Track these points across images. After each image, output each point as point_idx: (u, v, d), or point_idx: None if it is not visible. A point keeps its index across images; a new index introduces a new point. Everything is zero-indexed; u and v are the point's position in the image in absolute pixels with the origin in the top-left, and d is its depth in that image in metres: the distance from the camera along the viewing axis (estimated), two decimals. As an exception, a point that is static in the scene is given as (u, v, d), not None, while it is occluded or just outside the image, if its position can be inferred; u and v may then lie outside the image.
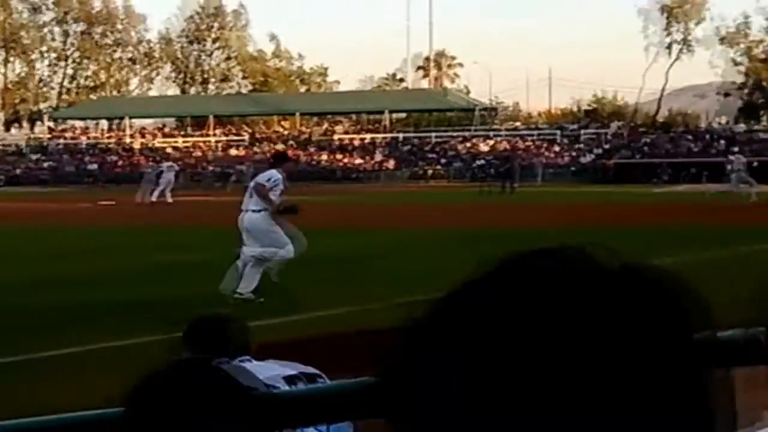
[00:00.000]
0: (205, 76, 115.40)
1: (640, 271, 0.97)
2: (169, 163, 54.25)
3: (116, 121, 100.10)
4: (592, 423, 0.88)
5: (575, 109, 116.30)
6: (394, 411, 0.97)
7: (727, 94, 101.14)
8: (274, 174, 17.47)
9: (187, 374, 1.79)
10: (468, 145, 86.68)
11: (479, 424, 0.90)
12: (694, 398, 0.93)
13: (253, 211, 17.23)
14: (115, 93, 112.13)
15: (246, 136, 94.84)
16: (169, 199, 49.26)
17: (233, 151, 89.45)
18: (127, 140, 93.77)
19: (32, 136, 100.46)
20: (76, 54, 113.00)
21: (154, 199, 49.20)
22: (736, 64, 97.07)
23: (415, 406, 0.94)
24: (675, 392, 0.91)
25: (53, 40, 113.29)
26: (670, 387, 0.91)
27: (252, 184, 17.83)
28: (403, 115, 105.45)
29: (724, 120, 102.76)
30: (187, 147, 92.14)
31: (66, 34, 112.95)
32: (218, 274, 17.32)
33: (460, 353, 0.92)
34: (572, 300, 0.92)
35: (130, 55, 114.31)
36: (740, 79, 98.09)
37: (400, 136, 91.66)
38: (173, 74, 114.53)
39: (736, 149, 64.26)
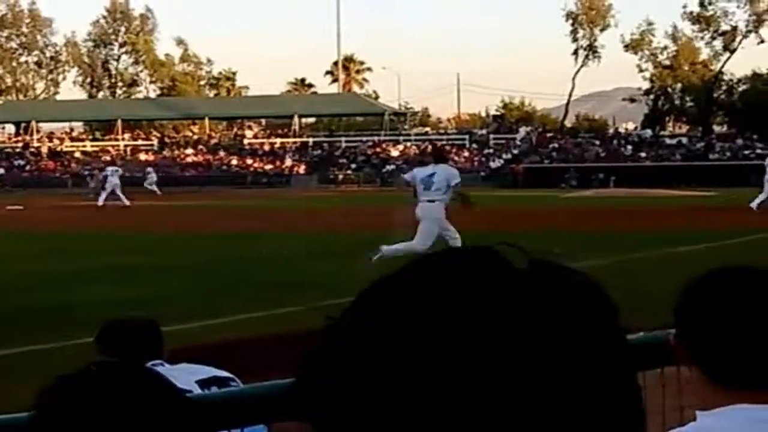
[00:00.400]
0: (113, 80, 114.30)
1: (550, 269, 0.97)
2: (114, 168, 54.30)
3: (23, 125, 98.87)
4: (506, 422, 0.88)
5: (483, 114, 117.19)
6: (310, 412, 0.96)
7: (632, 100, 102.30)
8: (452, 170, 20.30)
9: (114, 376, 1.81)
10: (378, 150, 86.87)
11: (392, 423, 0.90)
12: (603, 398, 0.93)
13: (430, 201, 19.25)
14: (21, 97, 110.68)
15: (155, 141, 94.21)
16: (126, 202, 49.53)
17: (142, 156, 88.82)
18: (35, 144, 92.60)
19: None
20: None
21: (100, 203, 49.47)
22: (641, 70, 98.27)
23: (329, 406, 0.93)
24: (585, 391, 0.91)
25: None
26: (579, 386, 0.90)
27: (445, 180, 19.36)
28: (313, 119, 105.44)
29: (630, 125, 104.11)
30: (95, 151, 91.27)
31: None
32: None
33: (372, 353, 0.91)
34: (482, 298, 0.91)
35: (36, 59, 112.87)
36: (645, 85, 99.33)
37: (310, 140, 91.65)
38: (80, 78, 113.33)
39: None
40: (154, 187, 65.45)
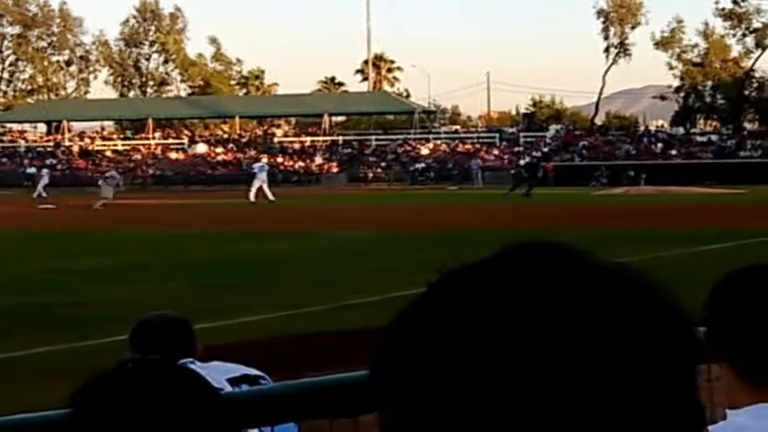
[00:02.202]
0: (144, 79, 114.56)
1: (623, 268, 0.97)
2: (261, 164, 57.41)
3: (54, 125, 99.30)
4: (581, 422, 0.87)
5: (513, 112, 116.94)
6: (381, 406, 0.96)
7: (663, 98, 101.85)
8: None
9: (152, 374, 1.82)
10: (407, 148, 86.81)
11: (459, 421, 0.89)
12: (684, 395, 0.93)
13: None
14: (52, 96, 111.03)
15: (186, 139, 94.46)
16: (271, 197, 53.06)
17: (173, 154, 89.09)
18: (66, 143, 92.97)
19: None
20: (12, 57, 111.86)
21: (252, 199, 53.14)
22: (671, 68, 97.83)
23: (398, 402, 0.93)
24: (667, 390, 0.91)
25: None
26: (662, 385, 0.91)
27: None
28: (343, 118, 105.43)
29: (661, 123, 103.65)
30: (126, 150, 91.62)
31: (2, 37, 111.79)
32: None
33: (442, 351, 0.90)
34: (559, 295, 0.91)
35: (66, 59, 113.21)
36: (675, 82, 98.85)
37: (340, 139, 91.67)
38: (111, 77, 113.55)
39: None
40: (121, 187, 63.91)
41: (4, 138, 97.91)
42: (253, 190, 53.92)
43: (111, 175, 58.90)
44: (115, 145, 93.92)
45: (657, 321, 0.93)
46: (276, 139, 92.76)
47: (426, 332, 0.93)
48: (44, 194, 62.70)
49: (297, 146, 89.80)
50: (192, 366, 3.93)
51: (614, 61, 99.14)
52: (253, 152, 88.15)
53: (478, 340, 0.89)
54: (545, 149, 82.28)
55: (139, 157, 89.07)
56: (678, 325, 0.95)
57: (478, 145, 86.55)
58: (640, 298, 0.94)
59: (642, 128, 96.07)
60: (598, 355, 0.88)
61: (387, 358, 0.96)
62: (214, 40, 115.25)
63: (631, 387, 0.89)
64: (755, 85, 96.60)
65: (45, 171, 71.16)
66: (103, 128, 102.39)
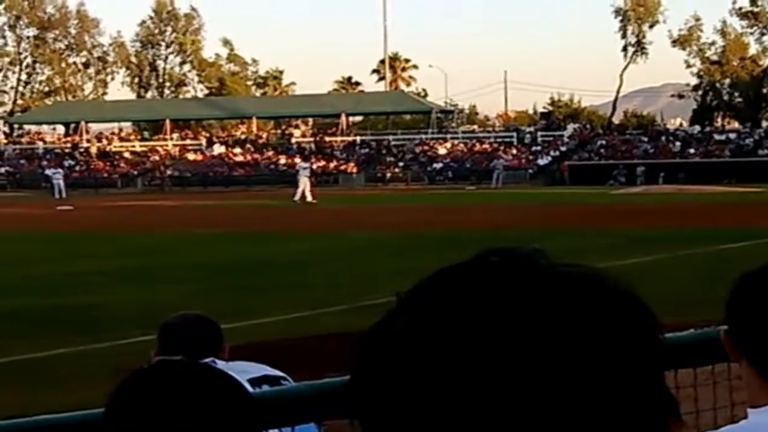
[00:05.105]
0: (161, 80, 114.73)
1: (593, 274, 0.99)
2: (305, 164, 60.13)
3: (72, 126, 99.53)
4: (550, 423, 0.90)
5: (531, 111, 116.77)
6: (361, 412, 0.98)
7: (680, 96, 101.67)
8: None
9: (186, 374, 1.84)
10: (425, 148, 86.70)
11: (440, 425, 0.91)
12: (650, 397, 0.95)
13: None
14: (70, 98, 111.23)
15: (203, 140, 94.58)
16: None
17: (190, 155, 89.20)
18: (84, 144, 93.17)
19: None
20: (30, 59, 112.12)
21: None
22: (689, 66, 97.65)
23: (380, 407, 0.95)
24: (632, 392, 0.94)
25: (6, 45, 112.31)
26: (627, 387, 0.93)
27: None
28: (360, 118, 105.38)
29: (679, 121, 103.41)
30: (144, 151, 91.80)
31: (19, 38, 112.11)
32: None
33: (424, 357, 0.93)
34: (528, 302, 0.94)
35: (84, 60, 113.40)
36: (693, 81, 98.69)
37: (358, 139, 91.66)
38: (128, 78, 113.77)
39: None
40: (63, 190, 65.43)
41: (23, 140, 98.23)
42: (304, 189, 54.03)
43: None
44: (132, 146, 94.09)
45: (622, 326, 0.95)
46: (293, 140, 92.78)
47: (400, 340, 0.95)
48: (64, 195, 62.90)
49: (314, 146, 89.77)
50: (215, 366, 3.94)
51: (632, 60, 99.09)
52: (270, 152, 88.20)
53: (449, 348, 0.92)
54: (563, 148, 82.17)
55: (156, 158, 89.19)
56: (644, 330, 0.97)
57: (495, 145, 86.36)
58: (607, 304, 0.96)
59: (660, 127, 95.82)
60: (564, 359, 0.91)
61: (366, 365, 0.98)
62: (227, 42, 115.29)
63: (598, 389, 0.91)
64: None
65: (53, 171, 71.97)
66: (120, 129, 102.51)
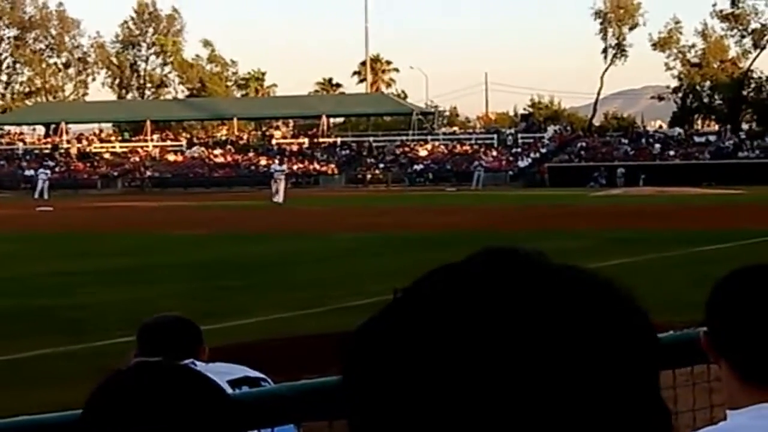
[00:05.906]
0: (142, 81, 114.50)
1: (586, 274, 0.99)
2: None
3: (52, 127, 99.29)
4: (544, 422, 0.90)
5: (512, 113, 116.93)
6: (355, 411, 0.97)
7: (661, 98, 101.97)
8: None
9: (165, 376, 1.84)
10: (406, 149, 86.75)
11: (439, 425, 0.90)
12: (645, 397, 0.95)
13: None
14: (50, 98, 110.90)
15: (184, 141, 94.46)
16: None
17: (171, 156, 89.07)
18: (64, 145, 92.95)
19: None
20: (10, 60, 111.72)
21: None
22: (669, 68, 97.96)
23: (376, 406, 0.94)
24: (627, 391, 0.94)
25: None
26: (622, 386, 0.93)
27: None
28: (341, 119, 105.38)
29: (659, 124, 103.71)
30: (124, 152, 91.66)
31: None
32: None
33: (415, 356, 0.92)
34: (522, 301, 0.93)
35: (64, 61, 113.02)
36: (674, 83, 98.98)
37: (338, 140, 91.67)
38: (109, 79, 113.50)
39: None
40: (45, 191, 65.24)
41: (2, 140, 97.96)
42: (285, 189, 54.25)
43: None
44: (113, 147, 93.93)
45: (617, 325, 0.95)
46: (274, 141, 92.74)
47: (397, 337, 0.94)
48: (45, 196, 62.75)
49: (295, 148, 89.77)
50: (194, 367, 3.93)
51: (612, 62, 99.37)
52: (251, 154, 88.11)
53: (444, 346, 0.91)
54: (543, 150, 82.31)
55: (137, 159, 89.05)
56: (638, 330, 0.97)
57: (476, 147, 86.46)
58: (601, 303, 0.96)
59: (640, 129, 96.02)
60: (564, 359, 0.91)
61: (361, 363, 0.97)
62: (207, 43, 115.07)
63: (592, 389, 0.91)
64: (753, 85, 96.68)
65: (40, 171, 71.75)
66: (101, 130, 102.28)
